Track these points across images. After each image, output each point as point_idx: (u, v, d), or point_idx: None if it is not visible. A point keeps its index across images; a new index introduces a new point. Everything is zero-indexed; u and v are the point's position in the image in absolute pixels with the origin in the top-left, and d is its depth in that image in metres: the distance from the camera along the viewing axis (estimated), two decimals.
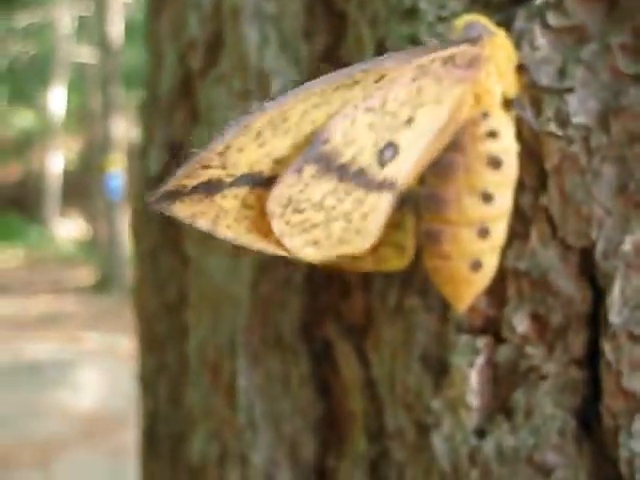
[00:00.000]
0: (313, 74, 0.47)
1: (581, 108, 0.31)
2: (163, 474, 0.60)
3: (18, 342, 3.57)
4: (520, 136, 0.32)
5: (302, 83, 0.47)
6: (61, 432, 2.70)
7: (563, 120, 0.31)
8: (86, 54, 5.74)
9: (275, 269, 0.45)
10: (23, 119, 6.10)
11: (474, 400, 0.34)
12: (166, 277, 0.60)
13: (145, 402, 0.64)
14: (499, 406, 0.34)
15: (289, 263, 0.44)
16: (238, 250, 0.46)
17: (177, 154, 0.56)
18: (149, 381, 0.63)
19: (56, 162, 6.07)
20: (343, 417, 0.42)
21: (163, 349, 0.60)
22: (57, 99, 6.05)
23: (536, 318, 0.33)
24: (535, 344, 0.33)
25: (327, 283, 0.44)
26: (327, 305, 0.43)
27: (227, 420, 0.46)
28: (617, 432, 0.31)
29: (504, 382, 0.34)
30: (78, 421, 2.77)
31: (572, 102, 0.31)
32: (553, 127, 0.31)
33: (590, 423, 0.33)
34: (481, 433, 0.35)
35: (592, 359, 0.32)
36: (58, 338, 3.69)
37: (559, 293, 0.33)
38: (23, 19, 5.33)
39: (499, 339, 0.34)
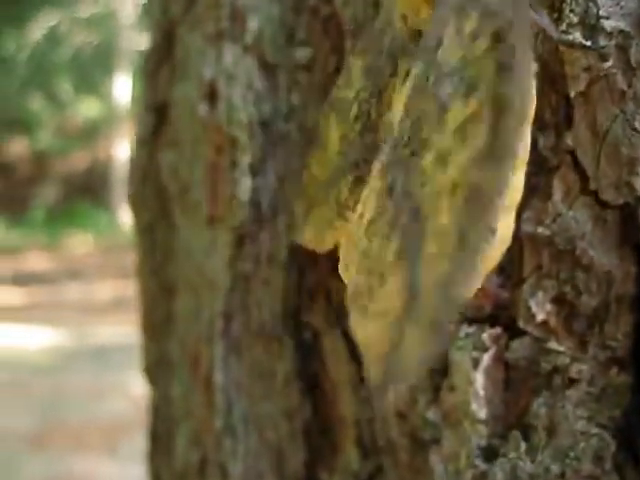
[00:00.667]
0: (296, 8, 0.40)
1: (616, 8, 0.22)
2: (165, 475, 0.54)
3: (87, 326, 3.65)
4: (533, 51, 0.23)
5: (283, 21, 0.39)
6: (127, 414, 2.73)
7: (592, 26, 0.22)
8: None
9: (254, 242, 0.37)
10: (89, 108, 6.25)
11: (480, 410, 0.26)
12: (164, 256, 0.53)
13: (150, 396, 0.58)
14: (514, 419, 0.26)
15: (271, 235, 0.37)
16: (213, 219, 0.39)
17: (162, 116, 0.50)
18: (151, 372, 0.57)
19: (122, 149, 6.19)
20: (334, 423, 0.35)
21: (162, 337, 0.53)
22: (121, 87, 6.16)
23: (562, 302, 0.25)
24: (561, 337, 0.25)
25: (315, 258, 0.36)
26: (315, 285, 0.36)
27: (206, 421, 0.40)
28: None
29: (520, 387, 0.26)
30: (143, 404, 2.80)
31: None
32: (578, 36, 0.23)
33: (636, 444, 0.24)
34: (491, 453, 0.26)
35: (639, 357, 0.24)
36: (126, 322, 3.75)
37: (592, 268, 0.24)
38: (86, 10, 5.43)
39: (513, 330, 0.26)
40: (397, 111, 0.23)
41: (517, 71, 0.16)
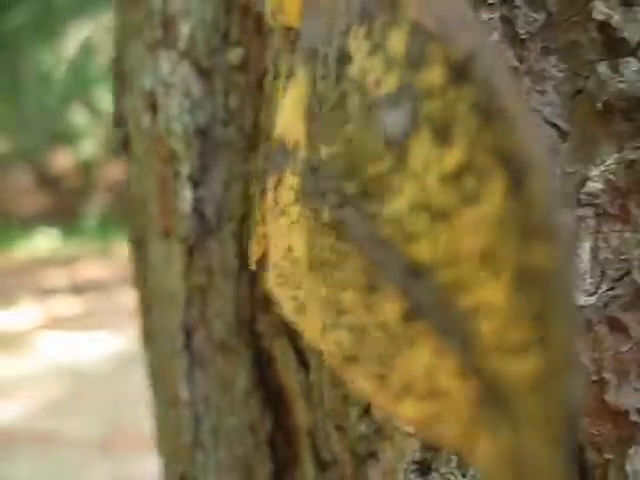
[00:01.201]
0: (227, 8, 0.38)
1: None
2: None
3: None
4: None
5: (216, 23, 0.38)
6: None
7: None
8: None
9: (204, 253, 0.36)
10: None
11: None
12: (145, 268, 0.53)
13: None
14: None
15: (220, 245, 0.36)
16: (167, 231, 0.38)
17: (124, 129, 0.49)
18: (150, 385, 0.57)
19: None
20: (293, 435, 0.34)
21: (148, 351, 0.53)
22: None
23: None
24: None
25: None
26: (266, 293, 0.35)
27: (179, 437, 0.39)
28: (606, 471, 0.20)
29: None
30: None
31: None
32: None
33: (580, 456, 0.22)
34: (426, 468, 0.25)
35: None
36: None
37: None
38: None
39: None
40: (286, 124, 0.21)
41: (513, 116, 0.12)
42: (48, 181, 5.09)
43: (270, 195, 0.22)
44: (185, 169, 0.35)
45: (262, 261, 0.27)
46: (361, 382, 0.16)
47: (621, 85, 0.19)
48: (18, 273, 4.42)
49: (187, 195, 0.35)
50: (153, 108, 0.38)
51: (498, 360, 0.13)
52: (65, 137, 4.63)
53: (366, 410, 0.26)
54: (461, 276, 0.13)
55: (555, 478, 0.12)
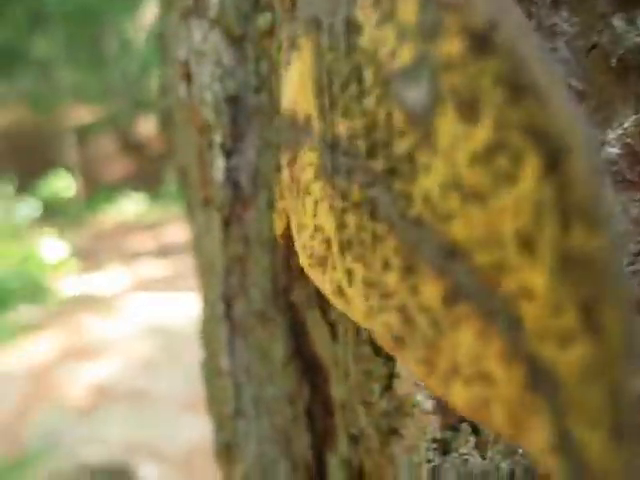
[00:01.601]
0: None
1: None
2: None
3: None
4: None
5: None
6: None
7: None
8: None
9: (241, 223, 0.36)
10: None
11: (426, 401, 0.24)
12: (197, 237, 0.54)
13: None
14: None
15: (256, 214, 0.36)
16: (207, 200, 0.39)
17: (167, 99, 0.49)
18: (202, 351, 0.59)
19: None
20: (331, 406, 0.33)
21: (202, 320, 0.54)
22: None
23: None
24: None
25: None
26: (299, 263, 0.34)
27: (224, 405, 0.40)
28: None
29: None
30: None
31: None
32: None
33: None
34: (448, 447, 0.24)
35: None
36: None
37: None
38: None
39: None
40: (295, 98, 0.20)
41: (544, 89, 0.11)
42: (133, 147, 5.26)
43: (285, 172, 0.21)
44: (217, 138, 0.35)
45: (286, 235, 0.26)
46: (412, 366, 0.16)
47: (638, 39, 0.17)
48: (106, 237, 4.63)
49: (220, 164, 0.35)
50: (187, 77, 0.38)
51: (544, 347, 0.12)
52: (147, 104, 4.76)
53: (388, 386, 0.25)
54: (499, 259, 0.13)
55: (614, 474, 0.11)
